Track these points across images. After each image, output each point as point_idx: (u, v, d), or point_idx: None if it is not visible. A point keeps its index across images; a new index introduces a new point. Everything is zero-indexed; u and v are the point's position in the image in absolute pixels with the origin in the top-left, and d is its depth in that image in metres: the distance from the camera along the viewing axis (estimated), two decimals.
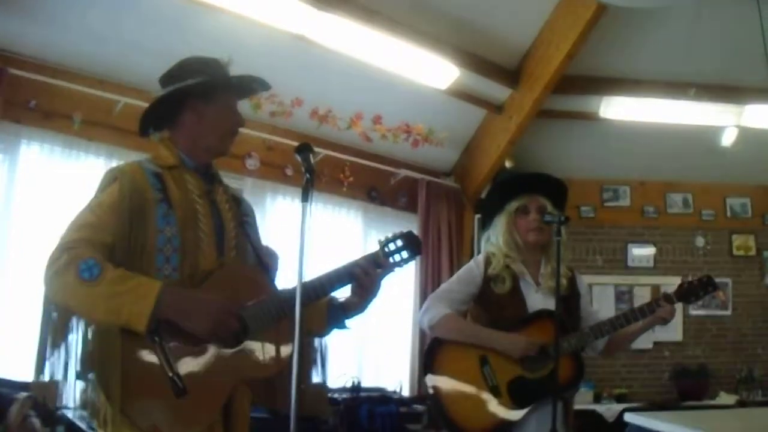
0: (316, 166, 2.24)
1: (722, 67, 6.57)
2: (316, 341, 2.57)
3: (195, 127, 2.37)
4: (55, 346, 2.13)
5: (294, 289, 2.16)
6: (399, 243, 2.46)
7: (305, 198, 2.15)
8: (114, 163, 5.14)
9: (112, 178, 2.24)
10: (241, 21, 4.93)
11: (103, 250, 2.10)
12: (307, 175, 2.18)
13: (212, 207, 2.34)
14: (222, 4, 4.78)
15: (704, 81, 6.70)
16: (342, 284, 2.39)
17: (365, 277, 2.40)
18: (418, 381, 6.55)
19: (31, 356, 4.59)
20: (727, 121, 6.94)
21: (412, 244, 2.49)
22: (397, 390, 6.46)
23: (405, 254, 2.48)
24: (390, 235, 2.49)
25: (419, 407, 5.99)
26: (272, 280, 2.41)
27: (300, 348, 2.04)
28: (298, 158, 2.24)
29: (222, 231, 2.33)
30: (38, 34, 4.83)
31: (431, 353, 3.23)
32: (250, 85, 2.58)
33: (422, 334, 5.89)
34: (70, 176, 5.02)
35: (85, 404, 2.08)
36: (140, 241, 2.16)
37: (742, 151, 7.16)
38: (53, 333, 2.13)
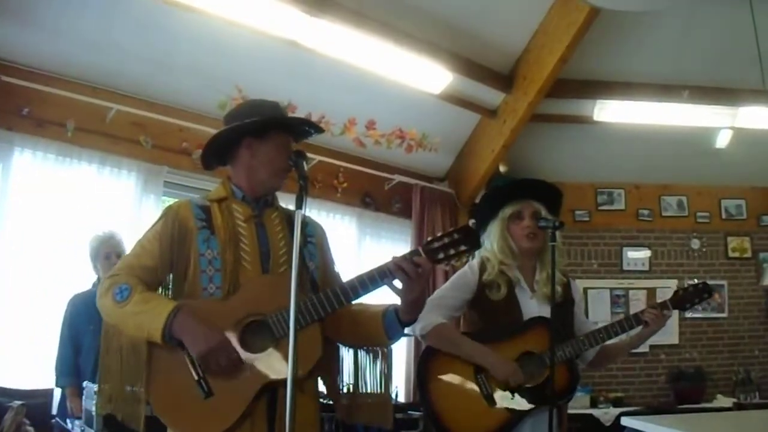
0: (310, 173, 2.25)
1: (716, 68, 6.58)
2: (380, 351, 2.58)
3: (249, 163, 2.54)
4: (103, 356, 2.40)
5: (323, 295, 2.34)
6: (446, 239, 2.33)
7: (299, 205, 2.20)
8: (107, 170, 5.19)
9: (161, 214, 2.51)
10: (234, 28, 4.92)
11: (143, 273, 2.39)
12: (301, 182, 2.24)
13: (259, 230, 2.50)
14: (214, 11, 4.77)
15: (698, 83, 6.70)
16: (375, 284, 2.35)
17: (401, 274, 2.31)
18: (414, 387, 6.54)
19: (26, 365, 4.63)
20: (721, 122, 6.94)
21: (464, 239, 2.34)
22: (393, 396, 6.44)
23: (454, 250, 2.32)
24: (440, 233, 2.37)
25: (415, 413, 5.96)
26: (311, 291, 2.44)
27: (294, 354, 2.06)
28: (292, 165, 2.34)
29: (268, 250, 2.47)
30: (31, 41, 4.81)
31: (425, 360, 3.21)
32: (302, 127, 2.69)
33: (417, 340, 5.88)
34: (63, 183, 5.00)
35: (118, 407, 2.34)
36: (183, 264, 2.42)
37: (736, 153, 7.17)
38: (104, 346, 2.40)
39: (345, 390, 2.58)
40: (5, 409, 4.25)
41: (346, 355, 2.61)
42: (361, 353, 2.60)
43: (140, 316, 2.28)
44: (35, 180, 4.91)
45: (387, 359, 2.61)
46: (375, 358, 2.59)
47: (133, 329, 2.31)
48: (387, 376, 2.60)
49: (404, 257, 2.32)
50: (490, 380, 3.06)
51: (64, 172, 5.03)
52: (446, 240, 2.33)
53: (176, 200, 2.61)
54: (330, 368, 2.57)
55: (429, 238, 2.36)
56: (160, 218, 2.50)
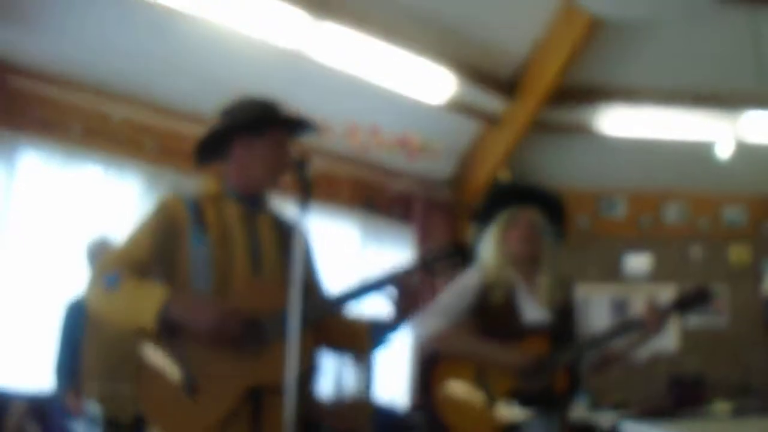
0: (313, 178, 2.26)
1: (717, 77, 6.59)
2: (362, 359, 2.61)
3: (244, 160, 2.51)
4: (85, 352, 2.31)
5: (319, 300, 2.37)
6: (440, 254, 2.40)
7: (302, 210, 2.21)
8: (112, 173, 5.20)
9: (154, 209, 2.47)
10: (239, 34, 4.96)
11: (133, 265, 2.31)
12: (304, 187, 2.24)
13: (250, 230, 2.47)
14: (219, 17, 4.81)
15: (699, 91, 6.72)
16: (368, 292, 2.38)
17: (391, 287, 2.35)
18: (415, 392, 6.56)
19: (30, 366, 4.66)
20: (723, 131, 6.96)
21: (457, 254, 2.41)
22: (394, 401, 6.45)
23: (447, 265, 2.40)
24: (434, 248, 2.45)
25: (416, 418, 5.98)
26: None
27: (300, 359, 2.07)
28: (295, 170, 2.33)
29: (259, 252, 2.44)
30: (38, 43, 4.85)
31: (429, 365, 3.23)
32: (299, 124, 2.63)
33: (419, 345, 5.89)
34: (68, 185, 5.05)
35: (108, 402, 2.39)
36: (174, 259, 2.37)
37: (737, 161, 7.18)
38: (89, 343, 2.43)
39: (325, 394, 2.60)
40: (8, 409, 4.28)
41: (328, 360, 2.62)
42: (343, 360, 2.63)
43: (132, 301, 2.21)
44: (40, 182, 4.95)
45: (368, 368, 2.64)
46: (357, 365, 2.62)
47: (124, 315, 2.25)
48: (367, 384, 2.63)
49: (396, 271, 2.35)
50: (492, 385, 3.08)
51: (70, 174, 5.07)
52: (439, 255, 2.38)
53: (168, 195, 2.57)
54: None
55: (422, 253, 2.40)
56: (152, 212, 2.46)
